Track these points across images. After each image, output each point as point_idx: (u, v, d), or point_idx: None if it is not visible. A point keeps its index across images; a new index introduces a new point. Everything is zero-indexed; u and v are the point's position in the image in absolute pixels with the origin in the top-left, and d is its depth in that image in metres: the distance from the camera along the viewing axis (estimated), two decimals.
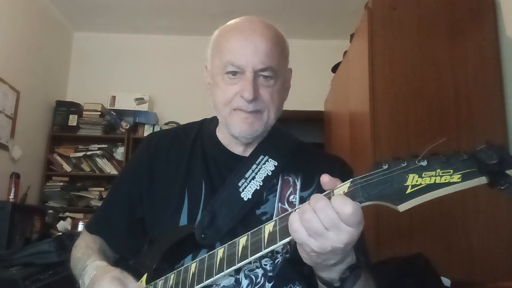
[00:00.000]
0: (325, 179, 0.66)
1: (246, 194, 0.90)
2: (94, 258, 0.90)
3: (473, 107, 1.96)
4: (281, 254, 0.89)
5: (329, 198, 0.62)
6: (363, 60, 2.12)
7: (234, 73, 0.89)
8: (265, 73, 0.89)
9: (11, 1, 3.35)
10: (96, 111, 4.04)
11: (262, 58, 0.87)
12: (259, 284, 0.87)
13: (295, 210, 0.66)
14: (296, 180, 0.95)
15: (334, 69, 3.20)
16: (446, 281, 1.62)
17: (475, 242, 1.83)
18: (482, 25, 2.04)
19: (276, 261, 0.89)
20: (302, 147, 1.03)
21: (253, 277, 0.87)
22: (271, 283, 0.87)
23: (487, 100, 1.97)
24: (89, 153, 3.97)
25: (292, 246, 0.81)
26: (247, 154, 0.97)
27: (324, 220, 0.61)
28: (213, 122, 1.04)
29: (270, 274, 0.88)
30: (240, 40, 0.88)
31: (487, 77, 1.99)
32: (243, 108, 0.89)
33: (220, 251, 0.76)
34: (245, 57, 0.87)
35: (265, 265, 0.88)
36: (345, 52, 2.83)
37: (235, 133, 0.92)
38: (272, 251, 0.88)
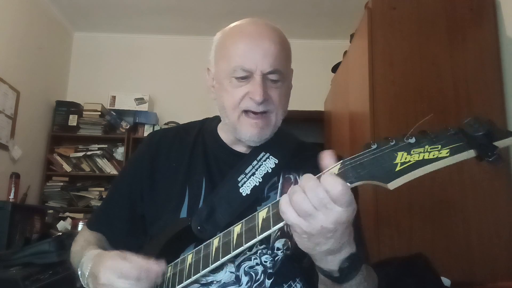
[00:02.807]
0: (325, 158, 0.66)
1: (245, 190, 0.90)
2: (91, 248, 0.90)
3: (473, 107, 1.96)
4: (281, 251, 0.89)
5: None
6: (363, 60, 2.12)
7: (243, 77, 0.88)
8: (273, 76, 0.89)
9: (11, 1, 3.35)
10: (96, 111, 4.04)
11: (271, 61, 0.88)
12: (259, 281, 0.87)
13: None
14: (297, 178, 0.95)
15: (334, 69, 3.20)
16: (446, 281, 1.63)
17: (475, 242, 1.83)
18: (482, 25, 2.05)
19: (276, 258, 0.89)
20: (303, 147, 1.03)
21: (253, 274, 0.88)
22: (271, 280, 0.88)
23: (487, 100, 1.97)
24: (89, 153, 3.97)
25: (293, 243, 0.81)
26: (249, 151, 0.97)
27: (313, 200, 0.61)
28: (214, 120, 1.04)
29: (270, 271, 0.88)
30: (249, 44, 0.88)
31: (487, 77, 1.99)
32: (253, 109, 0.89)
33: (215, 241, 0.77)
34: (254, 61, 0.87)
35: (265, 262, 0.89)
36: (345, 52, 2.83)
37: (244, 138, 0.92)
38: (272, 248, 0.89)
